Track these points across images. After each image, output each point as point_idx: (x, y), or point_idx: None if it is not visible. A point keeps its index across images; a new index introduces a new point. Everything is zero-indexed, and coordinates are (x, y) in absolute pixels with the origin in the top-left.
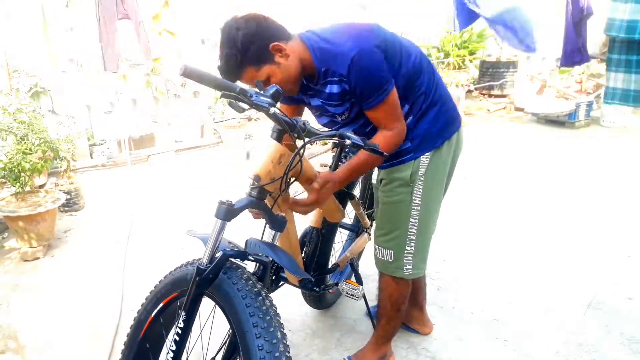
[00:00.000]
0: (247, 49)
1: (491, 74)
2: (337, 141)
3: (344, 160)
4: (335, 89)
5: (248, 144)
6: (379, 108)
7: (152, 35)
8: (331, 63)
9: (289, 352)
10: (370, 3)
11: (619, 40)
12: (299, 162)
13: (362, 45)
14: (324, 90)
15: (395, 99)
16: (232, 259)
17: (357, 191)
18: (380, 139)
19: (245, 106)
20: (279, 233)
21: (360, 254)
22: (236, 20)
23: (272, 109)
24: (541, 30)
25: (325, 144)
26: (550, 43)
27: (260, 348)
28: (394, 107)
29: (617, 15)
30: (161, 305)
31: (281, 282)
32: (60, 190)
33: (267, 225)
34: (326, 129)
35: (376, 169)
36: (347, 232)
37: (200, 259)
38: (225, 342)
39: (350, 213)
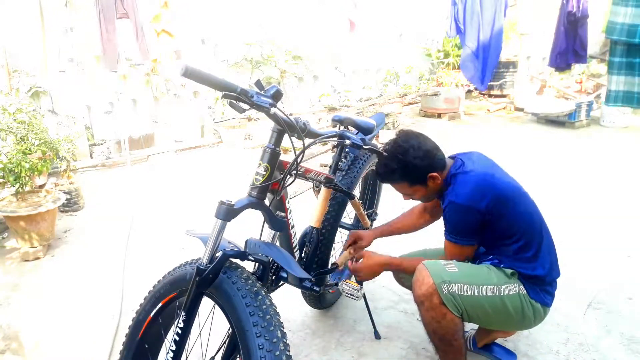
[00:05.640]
0: (410, 172)
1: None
2: (337, 141)
3: (343, 160)
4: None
5: (248, 143)
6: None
7: (152, 35)
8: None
9: (289, 351)
10: (361, 2)
11: (621, 44)
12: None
13: (459, 199)
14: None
15: (458, 252)
16: (232, 259)
17: (357, 191)
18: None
19: (246, 106)
20: (278, 233)
21: None
22: (412, 145)
23: (273, 109)
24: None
25: (326, 144)
26: (550, 44)
27: (260, 347)
28: (456, 254)
29: (618, 19)
30: (160, 305)
31: (281, 282)
32: (60, 190)
33: (267, 225)
34: (328, 130)
35: None
36: (347, 232)
37: (199, 258)
38: (225, 342)
39: (350, 213)
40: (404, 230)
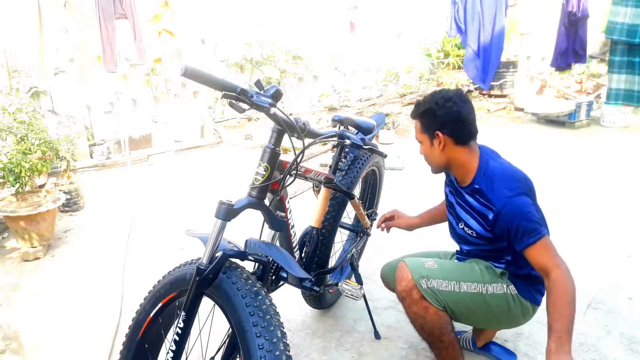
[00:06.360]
0: (425, 113)
1: None
2: (337, 141)
3: (343, 160)
4: (477, 205)
5: (248, 143)
6: (533, 248)
7: (152, 35)
8: (488, 186)
9: (289, 351)
10: (362, 3)
11: (621, 43)
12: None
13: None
14: (465, 197)
15: (553, 249)
16: (232, 259)
17: (357, 191)
18: (557, 284)
19: (246, 106)
20: (278, 233)
21: (360, 253)
22: (447, 94)
23: (272, 109)
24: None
25: (325, 144)
26: (550, 44)
27: (260, 347)
28: (553, 252)
29: (617, 19)
30: (160, 305)
31: (281, 282)
32: (60, 190)
33: (267, 225)
34: (328, 130)
35: None
36: (347, 232)
37: (199, 258)
38: (224, 342)
39: (350, 213)
40: (435, 221)
